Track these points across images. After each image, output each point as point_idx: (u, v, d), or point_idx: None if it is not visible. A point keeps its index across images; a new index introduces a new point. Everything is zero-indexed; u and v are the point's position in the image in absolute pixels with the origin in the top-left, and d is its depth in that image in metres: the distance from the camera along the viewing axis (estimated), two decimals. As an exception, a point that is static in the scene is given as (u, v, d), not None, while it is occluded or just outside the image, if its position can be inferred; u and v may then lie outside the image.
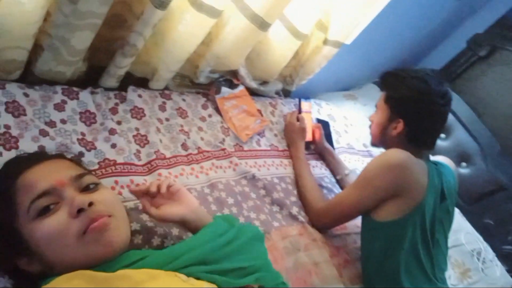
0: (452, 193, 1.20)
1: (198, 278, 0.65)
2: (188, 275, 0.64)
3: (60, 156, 0.74)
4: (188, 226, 0.78)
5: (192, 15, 1.06)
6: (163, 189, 0.78)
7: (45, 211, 0.61)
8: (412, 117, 1.15)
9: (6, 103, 0.86)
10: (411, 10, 1.79)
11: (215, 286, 0.64)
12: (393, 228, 1.10)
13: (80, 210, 0.61)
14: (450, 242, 1.52)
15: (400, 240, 1.08)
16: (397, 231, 1.09)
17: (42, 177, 0.63)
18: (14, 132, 0.83)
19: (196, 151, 1.14)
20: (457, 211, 1.73)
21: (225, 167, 1.16)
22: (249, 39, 1.23)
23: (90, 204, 0.62)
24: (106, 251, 0.62)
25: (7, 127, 0.83)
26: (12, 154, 0.80)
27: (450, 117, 1.96)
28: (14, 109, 0.86)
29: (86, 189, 0.67)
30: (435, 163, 1.20)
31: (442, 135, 2.00)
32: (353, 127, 1.82)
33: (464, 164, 1.96)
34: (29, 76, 0.98)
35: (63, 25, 0.88)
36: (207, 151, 1.16)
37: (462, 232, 1.61)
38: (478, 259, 1.55)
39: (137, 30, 1.00)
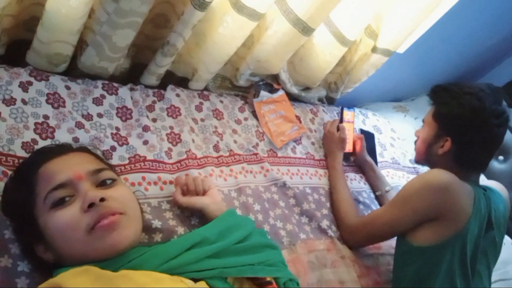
0: (501, 222, 1.09)
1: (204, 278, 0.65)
2: (196, 271, 0.64)
3: (83, 149, 0.76)
4: (208, 216, 0.86)
5: (233, 18, 1.05)
6: (199, 186, 0.89)
7: (60, 203, 0.62)
8: (461, 136, 1.06)
9: (47, 94, 0.90)
10: (472, 21, 1.66)
11: None
12: (429, 253, 1.02)
13: (91, 205, 0.62)
14: (497, 275, 1.39)
15: (435, 268, 1.00)
16: (433, 258, 1.01)
17: (61, 169, 0.65)
18: (52, 122, 0.87)
19: (227, 154, 1.13)
20: (509, 241, 1.57)
21: (255, 172, 1.14)
22: (291, 43, 1.20)
23: (102, 199, 0.63)
24: (112, 249, 0.63)
25: (45, 117, 0.87)
26: (47, 143, 0.83)
27: (511, 138, 1.80)
28: (55, 100, 0.90)
29: (102, 184, 0.68)
30: (485, 188, 1.10)
31: (500, 157, 1.83)
32: (401, 141, 1.72)
33: (523, 190, 1.78)
34: (74, 70, 1.02)
35: (106, 22, 0.91)
36: (239, 154, 1.15)
37: (512, 265, 1.46)
38: (529, 297, 1.40)
39: (177, 30, 1.01)
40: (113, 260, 0.62)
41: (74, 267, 0.59)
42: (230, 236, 0.76)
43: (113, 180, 0.69)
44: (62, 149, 0.71)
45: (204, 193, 0.91)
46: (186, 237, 0.72)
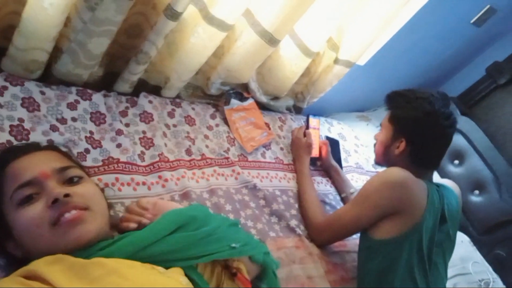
0: (454, 216, 1.18)
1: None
2: (166, 262, 0.66)
3: (51, 147, 0.78)
4: None
5: (203, 28, 1.12)
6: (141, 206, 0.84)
7: (26, 201, 0.64)
8: (414, 137, 1.16)
9: (22, 98, 0.93)
10: (428, 34, 1.80)
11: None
12: (389, 246, 1.09)
13: (55, 201, 0.63)
14: (456, 270, 1.49)
15: (396, 260, 1.07)
16: (393, 250, 1.08)
17: (27, 167, 0.67)
18: (27, 125, 0.90)
19: (199, 157, 1.18)
20: (466, 239, 1.68)
21: (227, 175, 1.19)
22: (259, 54, 1.28)
23: (66, 195, 0.64)
24: (75, 243, 0.64)
25: (20, 120, 0.89)
26: (22, 145, 0.86)
27: (465, 143, 1.93)
28: (30, 104, 0.93)
29: (69, 181, 0.70)
30: (438, 185, 1.19)
31: (456, 161, 1.96)
32: (364, 148, 1.82)
33: (477, 192, 1.90)
34: (48, 77, 1.05)
35: (82, 30, 0.95)
36: (210, 158, 1.20)
37: (470, 261, 1.57)
38: (485, 290, 1.50)
39: (150, 39, 1.06)
40: (83, 251, 0.64)
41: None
42: (213, 220, 0.77)
43: (80, 178, 0.71)
44: (29, 148, 0.73)
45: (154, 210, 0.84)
46: (167, 220, 0.72)
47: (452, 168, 1.96)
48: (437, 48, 1.95)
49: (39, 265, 0.58)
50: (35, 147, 0.75)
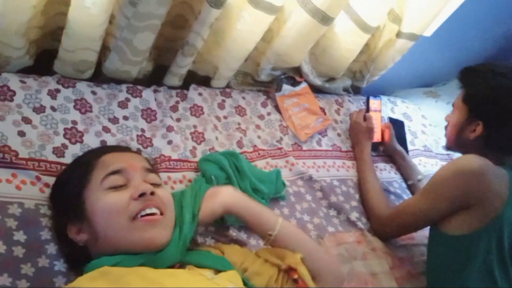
0: (543, 207, 1.03)
1: None
2: None
3: (139, 152, 0.84)
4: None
5: (249, 13, 1.05)
6: None
7: (115, 188, 0.68)
8: (493, 119, 1.01)
9: (75, 100, 0.94)
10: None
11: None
12: (463, 243, 0.98)
13: (142, 195, 0.66)
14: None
15: (470, 257, 0.96)
16: (469, 247, 0.97)
17: (120, 159, 0.72)
18: (80, 127, 0.91)
19: (251, 149, 1.13)
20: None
21: (280, 166, 1.14)
22: (311, 34, 1.19)
23: (152, 193, 0.68)
24: (149, 243, 0.66)
25: (74, 122, 0.91)
26: (77, 147, 0.87)
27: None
28: (82, 106, 0.94)
29: (152, 185, 0.72)
30: (521, 172, 1.04)
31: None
32: (433, 128, 1.67)
33: None
34: (100, 76, 1.06)
35: (126, 27, 0.93)
36: (263, 150, 1.15)
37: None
38: None
39: (195, 30, 1.02)
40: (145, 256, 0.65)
41: (99, 259, 0.63)
42: None
43: (159, 185, 0.74)
44: (122, 147, 0.83)
45: None
46: None
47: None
48: (512, 11, 1.71)
49: (83, 283, 0.58)
50: (127, 148, 0.83)
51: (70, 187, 0.71)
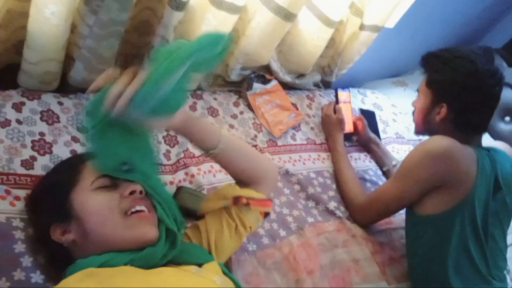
0: (510, 181, 1.07)
1: None
2: None
3: None
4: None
5: (213, 14, 1.06)
6: None
7: (105, 188, 0.69)
8: (456, 101, 1.05)
9: (41, 112, 0.92)
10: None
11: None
12: (438, 222, 1.01)
13: (132, 193, 0.69)
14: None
15: (447, 236, 0.99)
16: (443, 226, 1.00)
17: None
18: (49, 138, 0.89)
19: (226, 149, 1.14)
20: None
21: (256, 163, 1.15)
22: (276, 32, 1.21)
23: (141, 192, 0.71)
24: (141, 238, 0.67)
25: (41, 134, 0.89)
26: (46, 158, 0.86)
27: (517, 98, 1.76)
28: (49, 117, 0.93)
29: None
30: (488, 149, 1.08)
31: (507, 118, 1.79)
32: (403, 115, 1.70)
33: (534, 150, 1.74)
34: (66, 87, 1.05)
35: (88, 35, 0.93)
36: (238, 148, 1.15)
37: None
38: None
39: (160, 34, 1.02)
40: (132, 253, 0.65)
41: (87, 258, 0.63)
42: None
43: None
44: None
45: None
46: None
47: (503, 126, 1.80)
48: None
49: (70, 283, 0.58)
50: None
51: (55, 189, 0.71)
